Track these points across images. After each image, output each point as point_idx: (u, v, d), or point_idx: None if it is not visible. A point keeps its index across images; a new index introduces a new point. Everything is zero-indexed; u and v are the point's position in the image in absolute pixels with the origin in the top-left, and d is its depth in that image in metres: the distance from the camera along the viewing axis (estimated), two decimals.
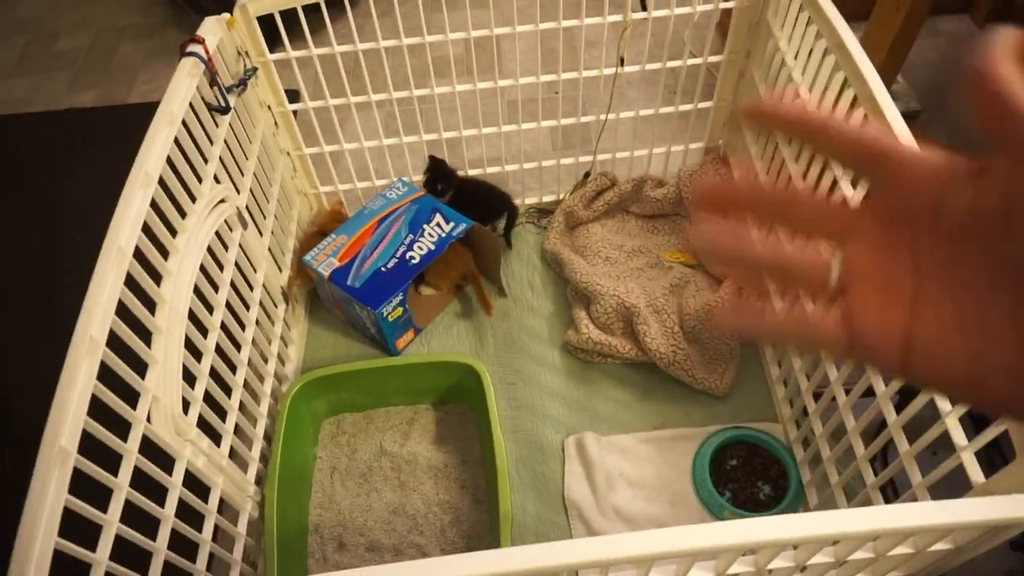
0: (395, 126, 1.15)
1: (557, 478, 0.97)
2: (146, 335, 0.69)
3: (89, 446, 0.57)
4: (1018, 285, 0.20)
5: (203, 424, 0.77)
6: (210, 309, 0.82)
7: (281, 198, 1.10)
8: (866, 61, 0.76)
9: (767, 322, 0.24)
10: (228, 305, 0.86)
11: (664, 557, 0.51)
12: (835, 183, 0.81)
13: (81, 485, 0.56)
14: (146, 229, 0.69)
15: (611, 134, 1.18)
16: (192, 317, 0.76)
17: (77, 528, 0.56)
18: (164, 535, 0.67)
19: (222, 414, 0.83)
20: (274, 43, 1.00)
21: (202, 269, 0.79)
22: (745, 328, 0.25)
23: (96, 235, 0.65)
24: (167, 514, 0.68)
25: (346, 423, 1.05)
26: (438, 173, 1.17)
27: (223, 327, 0.85)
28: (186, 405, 0.73)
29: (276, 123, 1.09)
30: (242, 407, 0.89)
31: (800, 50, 0.90)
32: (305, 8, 0.95)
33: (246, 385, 0.90)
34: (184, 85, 0.81)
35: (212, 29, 0.89)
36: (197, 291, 0.78)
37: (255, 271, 0.97)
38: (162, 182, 0.73)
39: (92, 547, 0.58)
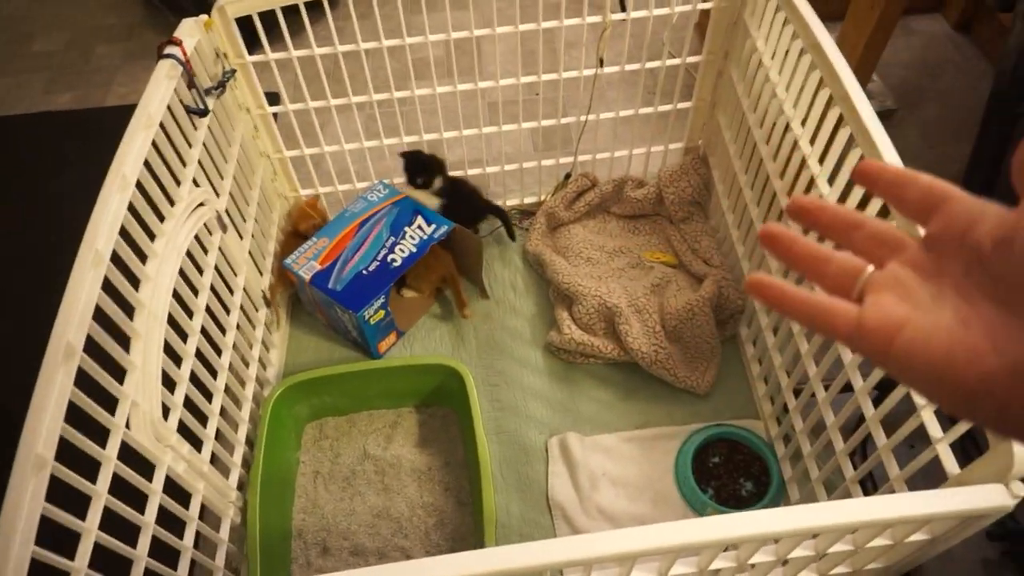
0: (376, 128, 1.14)
1: (541, 479, 0.98)
2: (124, 340, 0.68)
3: (67, 453, 0.57)
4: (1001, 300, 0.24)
5: (184, 430, 0.76)
6: (190, 313, 0.82)
7: (261, 201, 1.09)
8: (841, 61, 0.78)
9: (788, 298, 0.28)
10: (208, 309, 0.86)
11: (645, 554, 0.51)
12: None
13: (59, 493, 0.56)
14: (124, 233, 0.69)
15: (591, 135, 1.19)
16: (172, 322, 0.76)
17: (55, 536, 0.55)
18: (144, 542, 0.67)
19: (203, 419, 0.83)
20: (253, 45, 0.99)
21: (181, 273, 0.78)
22: (766, 300, 0.29)
23: (74, 238, 0.64)
24: (147, 521, 0.68)
25: (329, 427, 1.04)
26: (415, 166, 1.15)
27: (203, 332, 0.84)
28: (166, 411, 0.73)
29: (256, 126, 1.08)
30: (223, 412, 0.88)
31: (777, 50, 0.91)
32: (284, 10, 0.95)
33: (227, 390, 0.89)
34: (162, 87, 0.81)
35: (190, 31, 0.89)
36: (177, 295, 0.77)
37: (235, 275, 0.97)
38: (140, 185, 0.73)
39: (71, 555, 0.57)
